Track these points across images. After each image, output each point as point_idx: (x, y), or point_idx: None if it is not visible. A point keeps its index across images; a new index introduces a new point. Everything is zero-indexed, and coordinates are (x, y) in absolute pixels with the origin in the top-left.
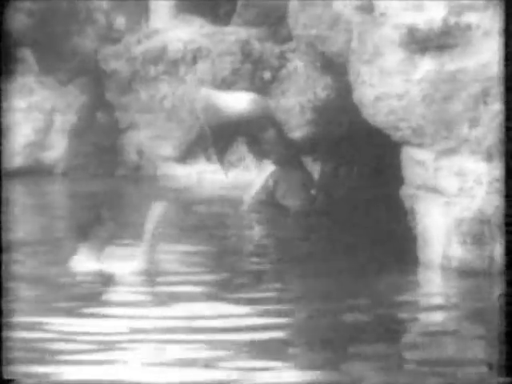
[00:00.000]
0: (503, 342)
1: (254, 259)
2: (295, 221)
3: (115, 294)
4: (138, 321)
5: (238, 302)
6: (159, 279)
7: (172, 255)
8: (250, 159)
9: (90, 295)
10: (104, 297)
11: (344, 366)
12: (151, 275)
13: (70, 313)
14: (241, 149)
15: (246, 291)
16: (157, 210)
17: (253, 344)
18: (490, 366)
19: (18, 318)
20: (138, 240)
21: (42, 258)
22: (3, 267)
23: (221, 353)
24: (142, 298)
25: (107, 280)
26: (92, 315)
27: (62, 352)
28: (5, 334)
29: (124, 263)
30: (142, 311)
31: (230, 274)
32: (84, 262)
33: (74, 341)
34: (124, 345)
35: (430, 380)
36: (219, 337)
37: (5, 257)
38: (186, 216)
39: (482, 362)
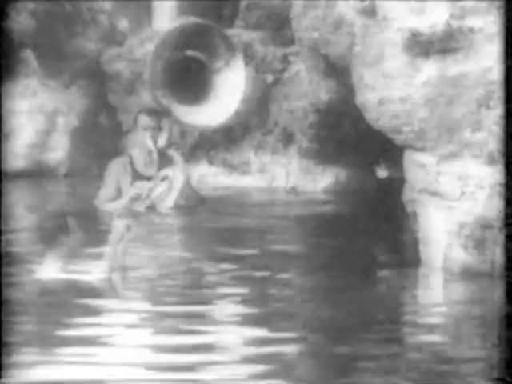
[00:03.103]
0: (504, 344)
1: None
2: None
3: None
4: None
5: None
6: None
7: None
8: (252, 162)
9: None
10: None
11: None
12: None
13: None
14: (243, 152)
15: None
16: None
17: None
18: (494, 367)
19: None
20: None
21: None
22: (3, 268)
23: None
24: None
25: (71, 288)
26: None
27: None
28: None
29: (91, 271)
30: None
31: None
32: (49, 271)
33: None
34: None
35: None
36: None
37: (4, 258)
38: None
39: (483, 363)
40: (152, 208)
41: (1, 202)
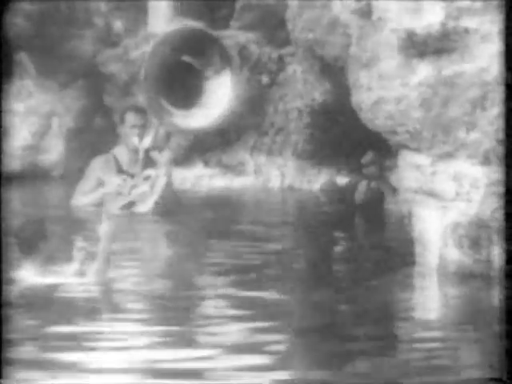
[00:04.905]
0: (502, 344)
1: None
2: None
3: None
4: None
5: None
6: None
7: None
8: (249, 164)
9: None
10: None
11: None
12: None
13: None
14: (239, 154)
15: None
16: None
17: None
18: (492, 367)
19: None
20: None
21: None
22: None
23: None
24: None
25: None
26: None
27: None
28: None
29: (72, 277)
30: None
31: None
32: (28, 277)
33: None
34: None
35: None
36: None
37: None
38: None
39: (482, 364)
40: (130, 206)
41: (1, 204)
